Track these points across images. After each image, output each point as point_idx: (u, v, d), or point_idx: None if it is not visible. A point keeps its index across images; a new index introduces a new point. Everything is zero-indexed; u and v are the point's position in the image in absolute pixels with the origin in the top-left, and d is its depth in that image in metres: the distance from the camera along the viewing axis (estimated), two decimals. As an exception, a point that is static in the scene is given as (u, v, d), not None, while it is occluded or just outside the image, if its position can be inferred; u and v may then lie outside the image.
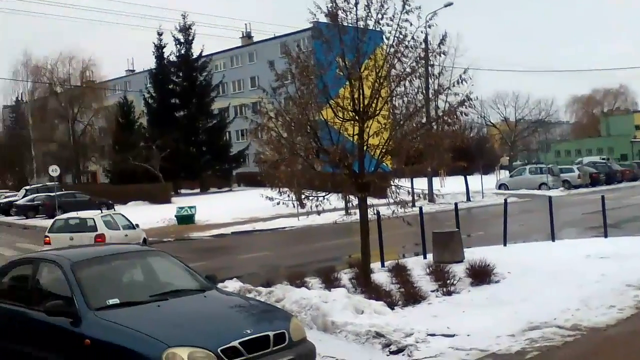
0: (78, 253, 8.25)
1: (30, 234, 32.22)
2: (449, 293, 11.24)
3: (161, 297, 7.15)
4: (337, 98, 11.33)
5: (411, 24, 11.02)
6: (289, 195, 12.68)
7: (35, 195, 45.07)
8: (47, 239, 19.59)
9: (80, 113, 68.50)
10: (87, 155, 70.85)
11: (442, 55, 11.61)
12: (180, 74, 58.16)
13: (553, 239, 17.24)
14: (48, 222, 36.68)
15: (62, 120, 69.13)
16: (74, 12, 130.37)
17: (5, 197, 50.17)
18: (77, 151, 68.13)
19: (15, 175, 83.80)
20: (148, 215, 34.70)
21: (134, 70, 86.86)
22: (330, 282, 11.97)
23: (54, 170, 41.39)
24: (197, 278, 7.99)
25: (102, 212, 22.18)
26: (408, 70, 11.18)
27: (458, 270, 12.20)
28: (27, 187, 52.82)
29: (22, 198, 46.17)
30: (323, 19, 11.36)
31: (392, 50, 11.11)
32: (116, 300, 6.88)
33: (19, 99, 78.85)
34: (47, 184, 52.04)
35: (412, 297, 10.75)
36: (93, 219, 19.63)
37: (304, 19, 12.26)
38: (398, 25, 11.03)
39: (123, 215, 21.45)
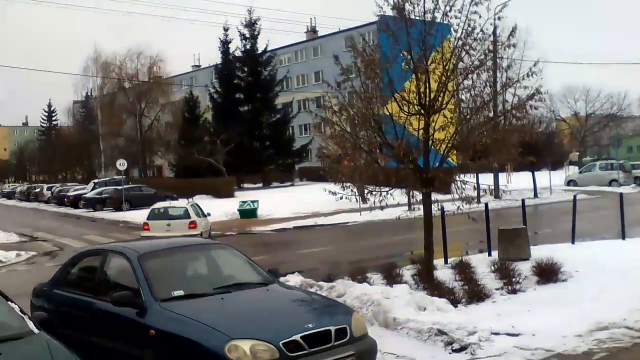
0: (145, 245, 8.39)
1: (97, 226, 33.16)
2: (514, 291, 10.98)
3: (224, 290, 7.20)
4: (403, 92, 11.16)
5: (480, 16, 10.76)
6: (352, 190, 12.60)
7: (103, 188, 46.32)
8: (147, 225, 21.87)
9: (147, 108, 69.89)
10: (153, 150, 72.25)
11: (511, 47, 11.28)
12: (245, 69, 58.65)
13: (623, 237, 16.71)
14: (115, 215, 37.88)
15: (129, 115, 70.66)
16: (142, 8, 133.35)
17: (75, 190, 51.67)
18: (144, 145, 69.60)
19: (84, 169, 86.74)
20: (211, 209, 35.01)
21: (199, 66, 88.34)
22: (392, 278, 11.84)
23: (122, 164, 42.44)
24: (259, 271, 8.02)
25: (188, 202, 24.10)
26: (476, 63, 10.94)
27: (524, 268, 11.91)
28: (96, 181, 54.42)
29: (90, 191, 47.48)
30: (389, 12, 11.21)
31: (459, 43, 10.88)
32: (181, 292, 6.97)
33: (89, 94, 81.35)
34: (115, 177, 53.41)
35: (476, 294, 10.54)
36: (185, 208, 22.53)
37: (369, 13, 12.14)
38: (467, 17, 10.79)
39: (198, 205, 24.04)
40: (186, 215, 21.88)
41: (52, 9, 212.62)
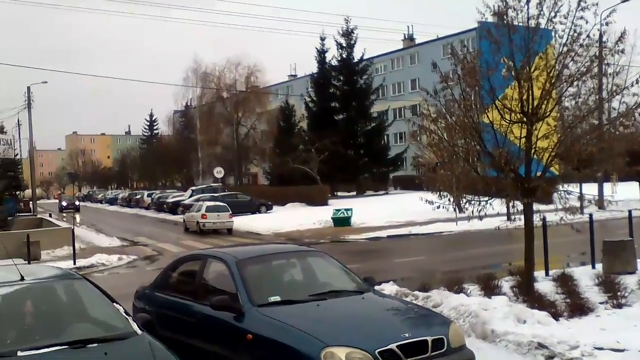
0: (243, 251, 8.53)
1: (194, 232, 34.02)
2: (620, 306, 10.46)
3: (320, 297, 7.21)
4: (504, 99, 10.87)
5: (587, 22, 10.33)
6: (449, 199, 12.37)
7: (200, 195, 47.47)
8: (205, 216, 33.10)
9: (244, 117, 71.33)
10: (249, 158, 73.61)
11: (619, 53, 10.76)
12: (341, 78, 59.02)
13: None
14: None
15: (227, 124, 72.32)
16: (241, 20, 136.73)
17: (173, 197, 53.36)
18: (240, 154, 71.05)
19: (183, 176, 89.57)
20: (305, 217, 35.61)
21: (296, 75, 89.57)
22: (490, 289, 11.52)
23: (219, 172, 43.57)
24: (355, 279, 7.99)
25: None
26: (582, 69, 10.50)
27: (630, 281, 11.38)
28: (194, 188, 56.04)
29: (188, 198, 48.86)
30: (491, 18, 10.95)
31: (564, 49, 10.47)
32: (277, 298, 7.03)
33: (188, 104, 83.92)
34: (212, 184, 54.87)
35: (579, 308, 10.12)
36: (226, 205, 34.33)
37: (468, 19, 11.95)
38: (572, 23, 10.38)
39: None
40: (226, 210, 33.66)
41: (156, 23, 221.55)
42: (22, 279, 6.26)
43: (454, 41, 17.34)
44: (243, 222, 35.95)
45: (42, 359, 5.16)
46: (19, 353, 5.21)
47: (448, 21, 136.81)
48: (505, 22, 10.69)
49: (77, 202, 68.11)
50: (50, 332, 5.70)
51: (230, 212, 33.56)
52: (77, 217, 43.92)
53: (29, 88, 51.55)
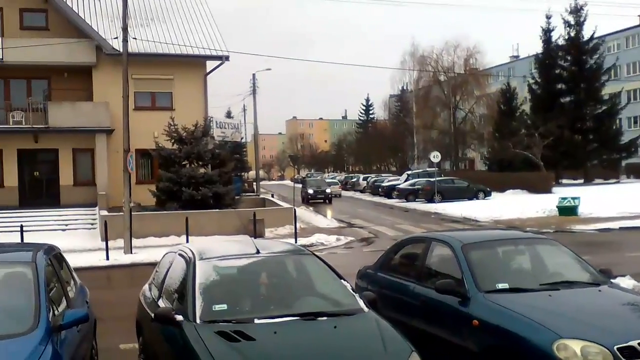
0: (468, 235, 8.33)
1: (410, 216, 34.19)
2: None
3: (552, 287, 6.86)
4: None
5: None
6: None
7: (415, 180, 47.57)
8: None
9: (461, 100, 70.29)
10: (466, 142, 72.47)
11: None
12: (569, 58, 55.65)
13: None
14: (426, 206, 38.83)
15: (443, 108, 71.71)
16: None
17: (389, 181, 53.96)
18: (457, 138, 70.16)
19: (398, 161, 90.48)
20: (526, 204, 34.16)
21: (518, 56, 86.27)
22: None
23: (435, 157, 43.22)
24: (589, 270, 7.50)
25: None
26: None
27: None
28: (409, 172, 56.28)
29: (403, 182, 49.16)
30: None
31: None
32: (505, 285, 6.79)
33: (404, 88, 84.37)
34: (427, 169, 54.74)
35: None
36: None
37: None
38: None
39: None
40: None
41: (376, 7, 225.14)
42: (258, 252, 6.66)
43: None
44: (460, 208, 35.41)
45: (277, 328, 5.41)
46: (256, 321, 5.53)
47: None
48: None
49: (328, 190, 48.98)
50: (283, 303, 5.99)
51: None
52: (329, 212, 37.90)
53: (254, 75, 55.26)
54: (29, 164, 30.65)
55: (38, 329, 5.16)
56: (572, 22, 55.18)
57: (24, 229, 20.51)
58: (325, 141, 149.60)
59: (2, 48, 28.35)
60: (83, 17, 30.25)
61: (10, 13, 30.45)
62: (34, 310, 5.35)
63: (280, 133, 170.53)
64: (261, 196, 41.92)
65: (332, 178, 73.77)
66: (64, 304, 6.38)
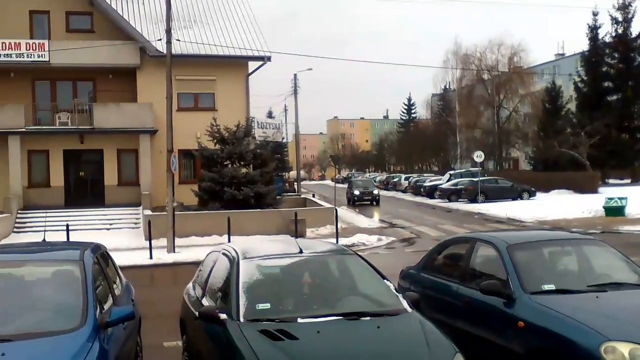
0: (513, 236, 8.18)
1: (452, 217, 33.77)
2: None
3: (600, 288, 6.73)
4: None
5: None
6: None
7: (458, 180, 46.88)
8: None
9: (505, 99, 69.28)
10: (510, 142, 71.34)
11: None
12: (616, 55, 54.54)
13: None
14: (469, 207, 38.35)
15: (487, 107, 70.78)
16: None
17: (431, 181, 53.27)
18: (501, 137, 69.15)
19: (440, 160, 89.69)
20: (572, 205, 33.56)
21: (563, 54, 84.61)
22: None
23: (479, 156, 42.62)
24: (637, 271, 7.34)
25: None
26: None
27: None
28: (451, 172, 55.64)
29: (446, 182, 48.57)
30: None
31: None
32: (552, 286, 6.68)
33: (447, 87, 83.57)
34: (470, 169, 54.02)
35: None
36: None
37: None
38: None
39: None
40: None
41: (418, 5, 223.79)
42: (301, 251, 6.66)
43: None
44: (504, 208, 34.95)
45: (320, 327, 5.40)
46: (299, 320, 5.52)
47: None
48: None
49: (375, 191, 46.85)
50: (326, 302, 5.98)
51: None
52: (376, 214, 36.92)
53: (295, 75, 55.35)
54: (74, 164, 31.26)
55: (86, 325, 5.25)
56: (620, 19, 54.12)
57: (70, 228, 20.95)
58: (367, 141, 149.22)
59: (48, 51, 28.98)
60: (127, 20, 30.75)
61: (56, 16, 31.12)
62: (82, 307, 5.45)
63: (321, 133, 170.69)
64: (302, 196, 41.91)
65: (372, 178, 73.17)
66: (110, 301, 6.49)
